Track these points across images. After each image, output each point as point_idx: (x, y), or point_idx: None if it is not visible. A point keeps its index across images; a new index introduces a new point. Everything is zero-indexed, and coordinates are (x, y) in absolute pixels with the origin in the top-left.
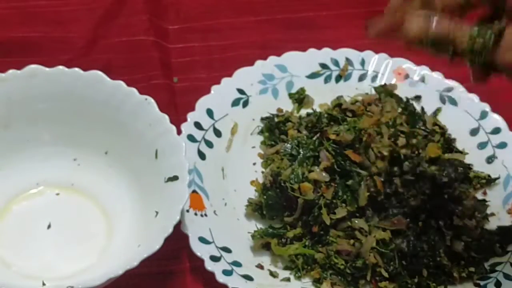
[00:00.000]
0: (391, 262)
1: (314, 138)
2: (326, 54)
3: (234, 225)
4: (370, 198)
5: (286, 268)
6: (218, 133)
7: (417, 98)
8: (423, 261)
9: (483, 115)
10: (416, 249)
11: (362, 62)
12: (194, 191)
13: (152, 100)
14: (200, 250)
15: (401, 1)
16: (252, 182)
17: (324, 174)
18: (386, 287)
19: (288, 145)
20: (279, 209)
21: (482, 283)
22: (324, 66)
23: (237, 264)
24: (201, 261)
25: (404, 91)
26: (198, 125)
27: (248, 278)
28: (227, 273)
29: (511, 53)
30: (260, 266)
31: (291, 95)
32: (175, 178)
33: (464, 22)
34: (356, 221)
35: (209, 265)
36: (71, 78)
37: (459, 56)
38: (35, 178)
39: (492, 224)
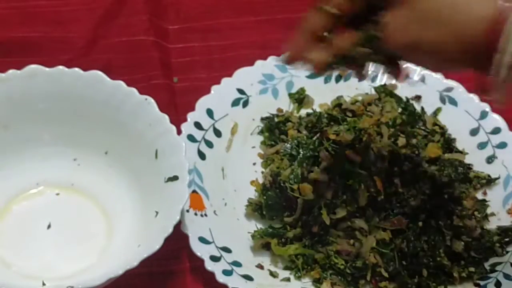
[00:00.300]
0: (391, 262)
1: (314, 138)
2: None
3: (234, 225)
4: (370, 198)
5: (286, 268)
6: (218, 133)
7: (417, 98)
8: (423, 261)
9: (483, 115)
10: (416, 249)
11: None
12: (194, 191)
13: (152, 100)
14: (200, 250)
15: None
16: (252, 182)
17: (324, 174)
18: (386, 287)
19: (288, 145)
20: (279, 209)
21: (482, 283)
22: None
23: (237, 264)
24: (201, 261)
25: (404, 91)
26: (198, 125)
27: (248, 278)
28: (227, 273)
29: (396, 34)
30: (260, 266)
31: (291, 95)
32: (175, 178)
33: (349, 31)
34: (356, 221)
35: (209, 265)
36: (71, 78)
37: (362, 62)
38: (35, 178)
39: (492, 224)
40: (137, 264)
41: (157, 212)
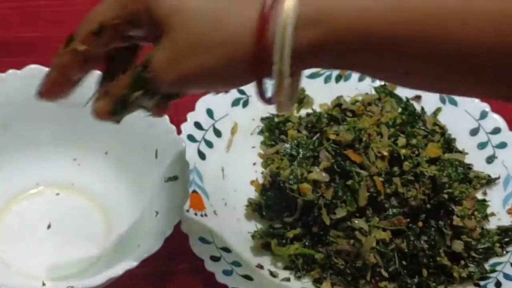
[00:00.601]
0: (391, 262)
1: (314, 138)
2: None
3: (234, 225)
4: (370, 198)
5: (286, 268)
6: (218, 133)
7: (417, 98)
8: (423, 261)
9: (483, 115)
10: (416, 249)
11: None
12: (194, 191)
13: None
14: (200, 250)
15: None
16: (252, 182)
17: (323, 174)
18: (386, 287)
19: (288, 145)
20: (278, 210)
21: (482, 283)
22: None
23: (237, 264)
24: (201, 261)
25: (404, 91)
26: (198, 125)
27: (248, 278)
28: (227, 273)
29: (162, 72)
30: (260, 266)
31: None
32: (175, 178)
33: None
34: (356, 221)
35: (209, 265)
36: None
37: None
38: (35, 178)
39: (492, 224)
40: (137, 264)
41: (157, 212)
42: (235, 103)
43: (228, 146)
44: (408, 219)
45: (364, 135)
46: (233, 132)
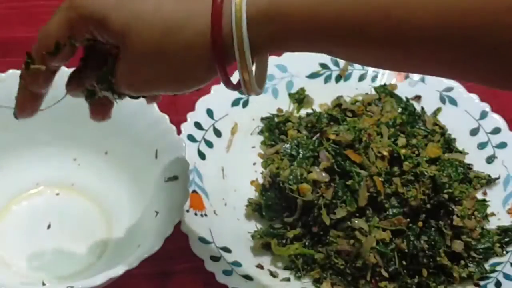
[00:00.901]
0: (391, 262)
1: (314, 138)
2: None
3: (234, 225)
4: (370, 198)
5: (286, 268)
6: (218, 133)
7: (417, 98)
8: (423, 261)
9: (483, 115)
10: (416, 249)
11: None
12: (194, 191)
13: None
14: (200, 250)
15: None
16: (252, 182)
17: (323, 174)
18: (386, 287)
19: (288, 145)
20: (278, 210)
21: (482, 283)
22: (324, 66)
23: (237, 264)
24: (201, 261)
25: (404, 91)
26: (198, 125)
27: (248, 278)
28: (227, 273)
29: (123, 80)
30: (260, 266)
31: (291, 95)
32: (175, 178)
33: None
34: (356, 221)
35: (209, 265)
36: None
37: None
38: (35, 178)
39: (492, 224)
40: (137, 264)
41: (157, 212)
42: (235, 103)
43: (228, 146)
44: (408, 219)
45: (364, 135)
46: (233, 132)
